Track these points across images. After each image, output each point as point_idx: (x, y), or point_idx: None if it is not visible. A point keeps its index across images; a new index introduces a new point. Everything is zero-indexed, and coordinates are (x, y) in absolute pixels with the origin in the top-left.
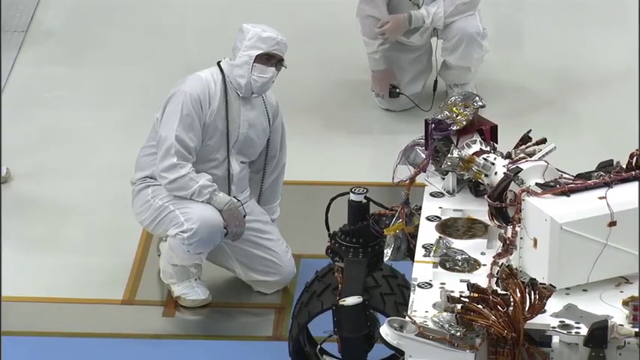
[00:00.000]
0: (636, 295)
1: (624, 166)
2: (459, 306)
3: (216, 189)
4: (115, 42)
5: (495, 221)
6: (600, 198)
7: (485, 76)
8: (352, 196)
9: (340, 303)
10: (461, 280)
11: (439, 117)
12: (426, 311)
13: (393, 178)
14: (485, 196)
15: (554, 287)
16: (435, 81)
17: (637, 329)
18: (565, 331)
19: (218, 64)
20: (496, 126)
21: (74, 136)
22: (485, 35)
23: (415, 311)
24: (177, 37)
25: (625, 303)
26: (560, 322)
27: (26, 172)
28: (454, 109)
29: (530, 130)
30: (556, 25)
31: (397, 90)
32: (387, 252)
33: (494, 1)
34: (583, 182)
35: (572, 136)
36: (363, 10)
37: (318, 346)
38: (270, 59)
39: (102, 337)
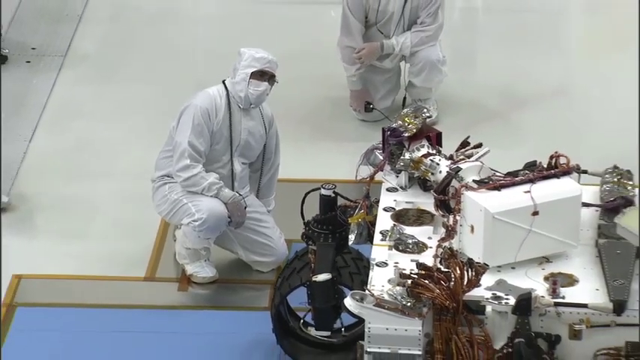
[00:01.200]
0: (555, 272)
1: (545, 166)
2: (409, 281)
3: (222, 185)
4: (137, 64)
5: (440, 211)
6: (526, 192)
7: (444, 92)
8: (322, 191)
9: (313, 279)
10: (411, 260)
11: (394, 126)
12: (383, 286)
13: (355, 176)
14: (432, 191)
15: (488, 265)
16: (404, 97)
17: (556, 300)
18: (497, 302)
19: (223, 82)
20: (440, 133)
21: (103, 144)
22: (444, 62)
23: (374, 286)
24: (188, 60)
25: (546, 278)
26: (492, 294)
27: (63, 175)
28: (406, 119)
29: (469, 137)
30: (502, 51)
31: (371, 106)
32: (351, 237)
33: (453, 31)
34: (511, 179)
35: (515, 143)
36: (343, 42)
37: (302, 320)
38: (264, 75)
39: (127, 308)
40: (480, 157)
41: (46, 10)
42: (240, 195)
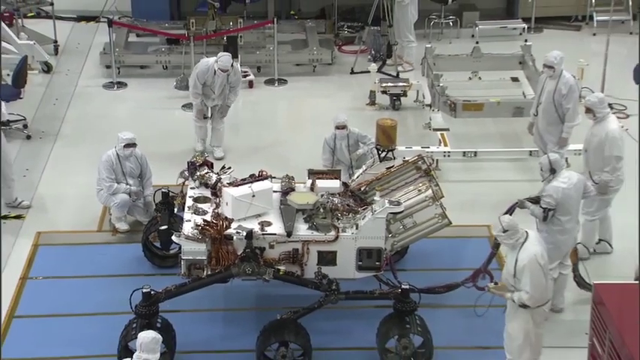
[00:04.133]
0: (263, 220)
1: (257, 175)
2: (200, 227)
3: (127, 187)
4: (92, 139)
5: (213, 197)
6: (249, 187)
7: (227, 144)
8: (162, 190)
9: (159, 228)
10: (202, 219)
11: (192, 160)
12: (189, 230)
13: (176, 182)
14: (210, 188)
15: (234, 219)
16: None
17: (263, 232)
18: (238, 234)
19: (115, 147)
20: (212, 163)
21: (77, 175)
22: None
23: (186, 230)
24: (113, 137)
25: (259, 223)
26: (236, 231)
27: (59, 185)
28: (196, 157)
29: (225, 165)
30: (256, 123)
31: (205, 116)
32: (176, 210)
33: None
34: (243, 182)
35: (260, 166)
36: (192, 91)
37: (163, 251)
38: (129, 145)
39: (88, 245)
40: (229, 173)
41: (46, 110)
42: (136, 188)
